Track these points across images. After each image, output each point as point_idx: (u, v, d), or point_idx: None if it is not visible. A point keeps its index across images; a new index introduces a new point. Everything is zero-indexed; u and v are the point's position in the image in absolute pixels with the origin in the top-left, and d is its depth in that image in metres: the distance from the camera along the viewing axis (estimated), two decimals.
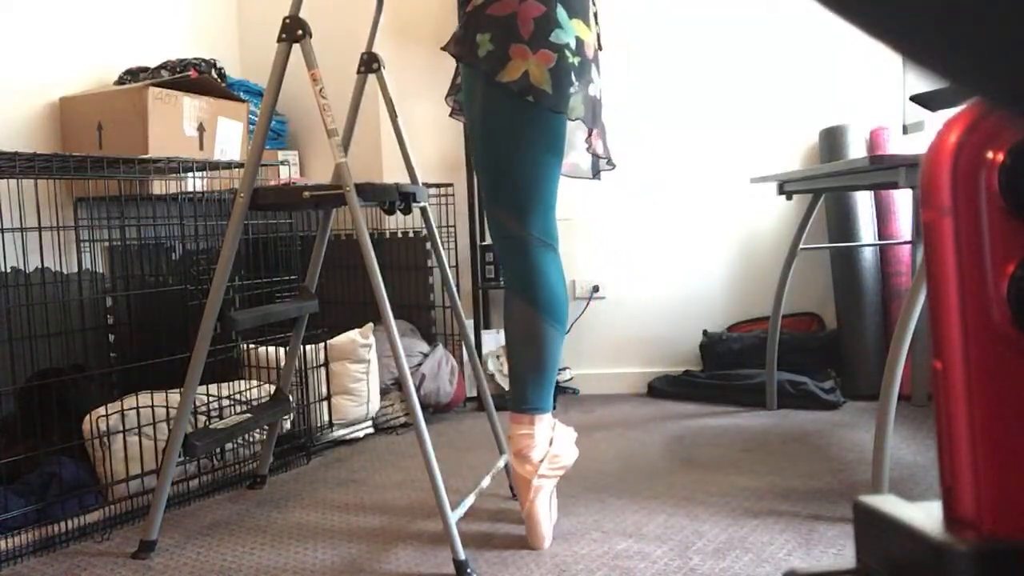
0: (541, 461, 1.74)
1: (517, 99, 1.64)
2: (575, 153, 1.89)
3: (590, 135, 1.77)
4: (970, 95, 0.32)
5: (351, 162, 1.79)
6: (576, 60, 1.65)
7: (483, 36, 1.65)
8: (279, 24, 1.73)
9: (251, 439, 2.34)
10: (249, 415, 2.08)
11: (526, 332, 1.74)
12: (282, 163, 2.98)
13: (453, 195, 3.21)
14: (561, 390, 3.23)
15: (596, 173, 1.90)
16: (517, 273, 1.74)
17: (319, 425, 2.58)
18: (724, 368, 3.10)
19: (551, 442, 1.77)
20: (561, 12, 1.64)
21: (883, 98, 3.10)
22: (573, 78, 1.65)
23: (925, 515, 0.49)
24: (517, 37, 1.62)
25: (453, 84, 1.91)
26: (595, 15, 1.74)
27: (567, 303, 1.77)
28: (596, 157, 1.85)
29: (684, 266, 3.27)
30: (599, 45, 1.76)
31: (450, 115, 1.95)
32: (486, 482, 1.94)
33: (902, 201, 3.00)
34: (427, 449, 1.63)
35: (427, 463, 1.63)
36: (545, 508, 1.75)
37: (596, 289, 3.28)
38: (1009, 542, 0.46)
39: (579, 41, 1.66)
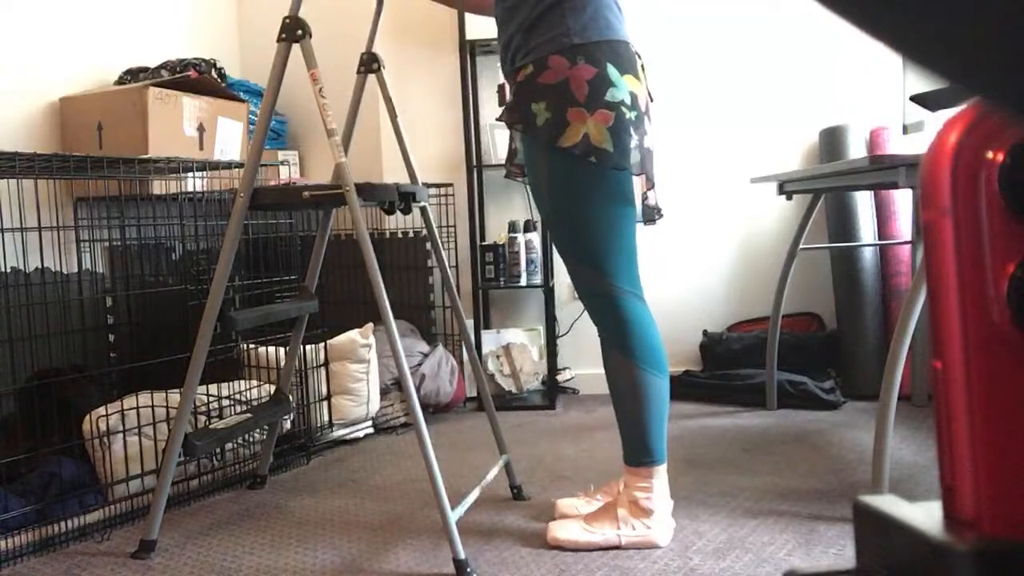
0: (648, 527, 1.72)
1: (580, 161, 1.64)
2: None
3: (649, 188, 1.78)
4: (970, 95, 0.32)
5: (351, 162, 1.79)
6: (633, 115, 1.66)
7: (538, 106, 1.65)
8: (279, 24, 1.73)
9: (251, 439, 2.34)
10: (249, 415, 2.08)
11: (628, 384, 1.73)
12: (282, 163, 2.98)
13: (453, 195, 3.21)
14: (561, 390, 3.23)
15: (649, 219, 1.91)
16: (610, 327, 1.73)
17: (319, 425, 2.58)
18: (724, 368, 3.10)
19: (669, 508, 1.77)
20: (612, 70, 1.64)
21: (883, 98, 3.10)
22: (632, 132, 1.66)
23: (925, 515, 0.49)
24: (573, 101, 1.63)
25: (509, 151, 1.92)
26: (642, 67, 1.74)
27: (664, 349, 1.76)
28: (648, 207, 1.86)
29: (684, 266, 3.27)
30: (650, 97, 1.77)
31: (506, 176, 1.96)
32: (486, 482, 1.94)
33: (902, 201, 3.00)
34: (427, 449, 1.63)
35: (427, 463, 1.63)
36: (597, 545, 1.74)
37: None
38: (1009, 542, 0.46)
39: (633, 96, 1.67)
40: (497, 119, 1.79)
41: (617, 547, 1.73)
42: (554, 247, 1.79)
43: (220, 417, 2.22)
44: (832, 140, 3.04)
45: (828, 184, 2.39)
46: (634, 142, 1.67)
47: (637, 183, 1.78)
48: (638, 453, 1.73)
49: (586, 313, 3.24)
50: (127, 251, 2.56)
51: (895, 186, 1.94)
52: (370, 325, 2.70)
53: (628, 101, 1.66)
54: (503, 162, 1.97)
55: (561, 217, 1.72)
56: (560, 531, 1.75)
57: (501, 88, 3.03)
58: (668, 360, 1.78)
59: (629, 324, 1.72)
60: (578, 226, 1.70)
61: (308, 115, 3.38)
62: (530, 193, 1.81)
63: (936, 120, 2.75)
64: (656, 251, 3.28)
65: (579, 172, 1.66)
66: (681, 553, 1.70)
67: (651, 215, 1.89)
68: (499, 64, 1.81)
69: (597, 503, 1.86)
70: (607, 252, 1.71)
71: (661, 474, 1.74)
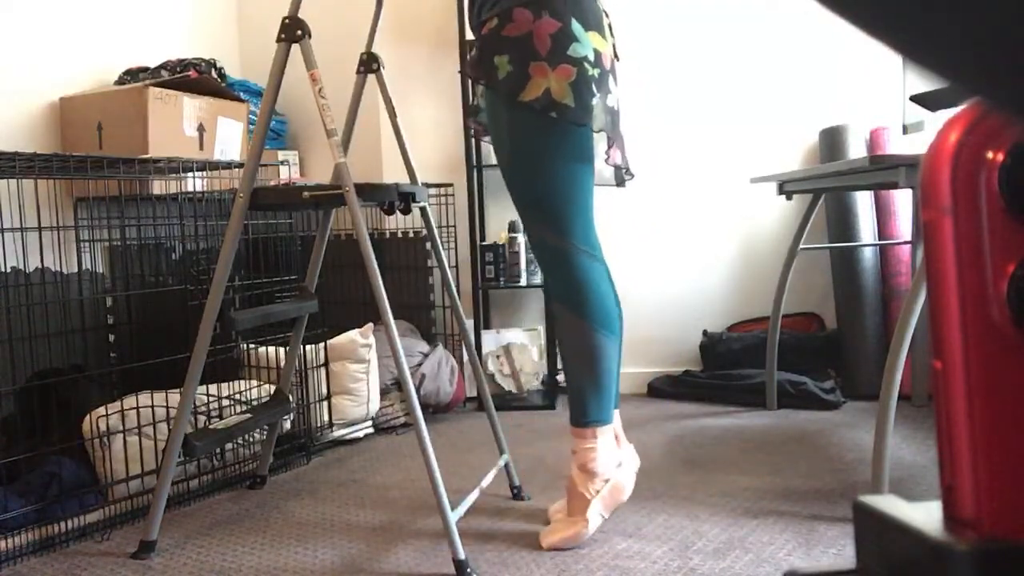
0: (606, 480, 1.72)
1: (541, 116, 1.64)
2: (597, 161, 1.90)
3: (610, 147, 1.77)
4: (970, 95, 0.32)
5: (351, 162, 1.79)
6: (596, 72, 1.66)
7: (501, 58, 1.65)
8: (279, 24, 1.73)
9: (251, 439, 2.34)
10: (249, 415, 2.08)
11: (579, 344, 1.72)
12: (282, 163, 2.97)
13: (453, 195, 3.21)
14: (561, 390, 3.23)
15: (620, 182, 1.91)
16: (563, 285, 1.73)
17: (319, 425, 2.58)
18: (724, 368, 3.10)
19: (619, 465, 1.76)
20: (577, 26, 1.64)
21: (883, 98, 3.10)
22: (594, 89, 1.66)
23: (925, 515, 0.49)
24: (535, 55, 1.62)
25: (472, 106, 1.92)
26: (609, 26, 1.74)
27: (618, 310, 1.75)
28: (615, 167, 1.85)
29: (684, 266, 3.27)
30: (616, 56, 1.76)
31: (473, 136, 1.96)
32: (486, 482, 1.94)
33: (902, 201, 3.00)
34: (427, 449, 1.63)
35: (427, 463, 1.63)
36: (590, 530, 1.74)
37: None
38: (1009, 542, 0.46)
39: (597, 53, 1.66)
40: (459, 71, 1.80)
41: (603, 518, 1.74)
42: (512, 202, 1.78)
43: (220, 417, 2.22)
44: (832, 140, 3.04)
45: (828, 184, 2.39)
46: (596, 99, 1.66)
47: (600, 142, 1.77)
48: (584, 413, 1.74)
49: None
50: (127, 251, 2.56)
51: (895, 186, 1.94)
52: (370, 325, 2.70)
53: (591, 58, 1.65)
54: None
55: (520, 172, 1.72)
56: (551, 535, 1.75)
57: None
58: (621, 322, 1.77)
59: (582, 283, 1.71)
60: (536, 181, 1.70)
61: (308, 115, 3.38)
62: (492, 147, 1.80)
63: (936, 120, 2.75)
64: (656, 251, 3.28)
65: (539, 127, 1.66)
66: (681, 553, 1.70)
67: (620, 176, 1.88)
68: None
69: None
70: (563, 209, 1.70)
71: (606, 434, 1.75)
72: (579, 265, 1.71)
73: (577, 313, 1.71)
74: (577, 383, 1.74)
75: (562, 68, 1.62)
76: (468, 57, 1.76)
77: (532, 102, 1.63)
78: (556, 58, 1.62)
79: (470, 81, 1.76)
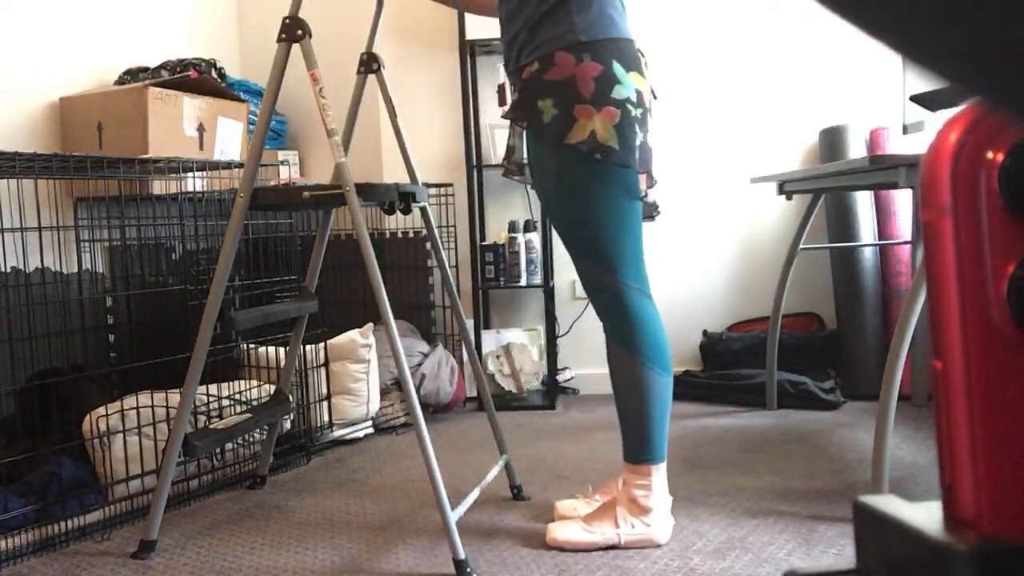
0: (647, 524, 1.72)
1: (587, 158, 1.65)
2: None
3: (650, 185, 1.78)
4: (970, 95, 0.32)
5: (351, 162, 1.79)
6: (638, 112, 1.67)
7: (545, 102, 1.66)
8: (279, 24, 1.73)
9: (251, 439, 2.34)
10: (249, 415, 2.08)
11: (631, 381, 1.73)
12: (282, 163, 2.97)
13: (453, 195, 3.21)
14: (561, 390, 3.23)
15: (647, 215, 1.92)
16: (615, 322, 1.73)
17: (319, 425, 2.58)
18: (724, 368, 3.10)
19: (666, 514, 1.75)
20: (618, 67, 1.66)
21: (883, 98, 3.10)
22: (637, 130, 1.67)
23: (925, 515, 0.49)
24: (580, 98, 1.64)
25: (507, 148, 1.92)
26: (646, 64, 1.75)
27: (668, 347, 1.76)
28: (646, 204, 1.86)
29: (684, 266, 3.27)
30: (653, 94, 1.77)
31: (503, 175, 1.97)
32: (486, 482, 1.94)
33: (902, 201, 3.00)
34: (427, 449, 1.63)
35: (427, 463, 1.63)
36: (597, 546, 1.74)
37: None
38: (1009, 542, 0.46)
39: (638, 93, 1.68)
40: (503, 116, 1.80)
41: (616, 546, 1.73)
42: (561, 242, 1.79)
43: (220, 417, 2.22)
44: (832, 140, 3.04)
45: (828, 184, 2.39)
46: (638, 139, 1.68)
47: (639, 180, 1.78)
48: (638, 451, 1.74)
49: (586, 313, 3.25)
50: (127, 251, 2.56)
51: (895, 186, 1.95)
52: (370, 325, 2.70)
53: (634, 98, 1.67)
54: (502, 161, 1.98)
55: (567, 213, 1.73)
56: (560, 532, 1.75)
57: (501, 88, 3.03)
58: (672, 359, 1.78)
59: (634, 320, 1.72)
60: (584, 222, 1.71)
61: (308, 115, 3.38)
62: (533, 190, 1.82)
63: (936, 120, 2.75)
64: (656, 251, 3.28)
65: (585, 168, 1.67)
66: (681, 553, 1.70)
67: (649, 212, 1.89)
68: (500, 64, 1.82)
69: (596, 503, 1.86)
70: (613, 248, 1.71)
71: (660, 472, 1.74)
72: (632, 303, 1.72)
73: (629, 350, 1.72)
74: (631, 420, 1.74)
75: (607, 110, 1.64)
76: (504, 103, 1.77)
77: (579, 144, 1.64)
78: (600, 100, 1.63)
79: (512, 122, 1.76)
